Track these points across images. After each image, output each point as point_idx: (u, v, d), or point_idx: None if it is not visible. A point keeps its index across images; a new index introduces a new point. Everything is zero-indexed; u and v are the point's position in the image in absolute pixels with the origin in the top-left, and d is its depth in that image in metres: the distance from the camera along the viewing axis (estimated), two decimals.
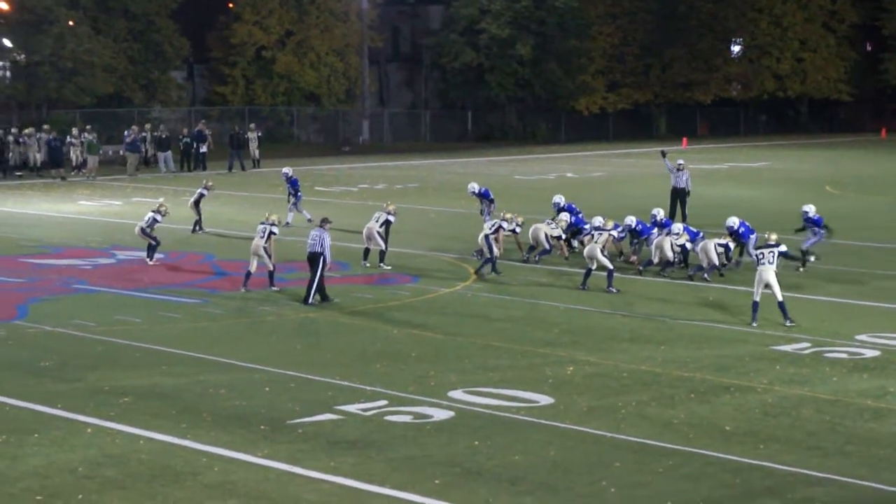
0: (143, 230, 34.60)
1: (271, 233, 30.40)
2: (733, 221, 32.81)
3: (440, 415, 19.61)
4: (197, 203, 40.45)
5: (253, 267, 30.23)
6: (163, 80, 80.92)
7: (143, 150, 63.90)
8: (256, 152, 65.81)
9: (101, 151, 62.10)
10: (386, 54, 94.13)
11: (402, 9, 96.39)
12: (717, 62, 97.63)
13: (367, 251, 34.18)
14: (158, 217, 34.75)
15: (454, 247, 37.07)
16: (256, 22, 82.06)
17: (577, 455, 17.81)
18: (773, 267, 26.35)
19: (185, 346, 24.36)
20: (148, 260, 34.19)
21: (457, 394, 20.79)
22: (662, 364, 23.09)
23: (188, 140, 64.79)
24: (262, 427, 18.91)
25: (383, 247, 33.96)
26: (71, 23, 73.46)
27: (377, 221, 34.22)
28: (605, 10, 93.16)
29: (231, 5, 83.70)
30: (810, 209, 34.43)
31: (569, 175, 46.16)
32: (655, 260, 32.81)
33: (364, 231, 34.23)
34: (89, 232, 40.91)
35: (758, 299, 26.54)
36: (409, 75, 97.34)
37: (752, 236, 32.94)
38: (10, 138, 61.45)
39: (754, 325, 26.38)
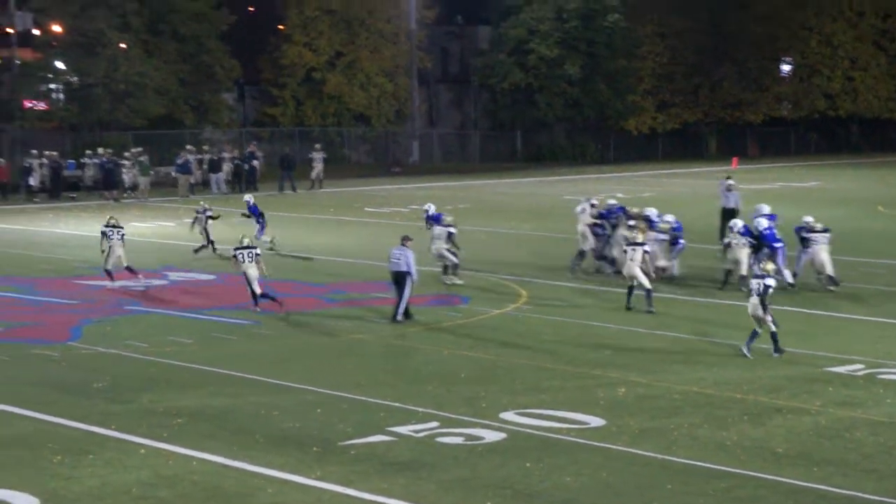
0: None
1: (257, 255, 30.64)
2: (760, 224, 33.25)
3: (492, 436, 19.60)
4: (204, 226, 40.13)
5: (257, 288, 30.32)
6: (214, 101, 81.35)
7: (195, 171, 64.24)
8: (321, 174, 66.13)
9: (152, 173, 62.48)
10: (435, 75, 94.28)
11: (451, 29, 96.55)
12: (767, 81, 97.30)
13: (445, 268, 34.45)
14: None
15: (504, 268, 37.04)
16: (306, 43, 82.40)
17: (628, 477, 17.76)
18: (758, 298, 25.21)
19: (237, 367, 24.45)
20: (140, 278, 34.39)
21: (508, 415, 20.77)
22: (714, 385, 22.99)
23: (239, 161, 65.14)
24: (315, 448, 18.96)
25: (455, 260, 34.22)
26: (123, 45, 74.01)
27: (440, 238, 34.33)
28: (653, 29, 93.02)
29: (281, 27, 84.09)
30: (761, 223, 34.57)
31: (618, 195, 46.03)
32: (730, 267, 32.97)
33: (433, 252, 34.33)
34: (142, 253, 41.10)
35: (759, 330, 25.50)
36: (458, 96, 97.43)
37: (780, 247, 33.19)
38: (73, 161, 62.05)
39: (744, 350, 25.43)
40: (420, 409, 21.16)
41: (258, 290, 30.40)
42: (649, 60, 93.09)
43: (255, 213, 41.53)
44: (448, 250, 34.33)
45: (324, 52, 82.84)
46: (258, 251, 31.06)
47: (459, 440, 19.42)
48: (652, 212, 35.86)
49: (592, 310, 30.99)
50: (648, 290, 30.42)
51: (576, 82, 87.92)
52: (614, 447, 19.10)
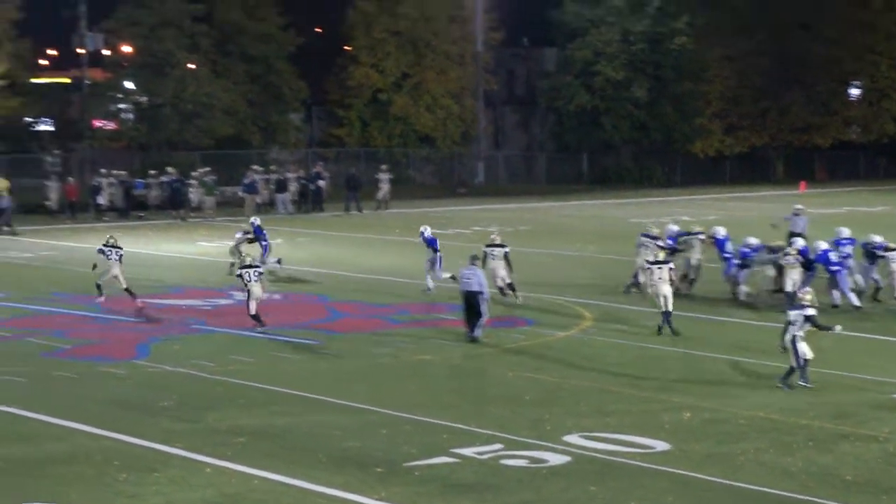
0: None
1: (261, 273, 31.02)
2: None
3: (556, 459, 19.52)
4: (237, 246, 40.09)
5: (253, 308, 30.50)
6: (281, 122, 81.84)
7: (262, 191, 64.53)
8: (387, 195, 66.35)
9: (217, 192, 62.85)
10: (501, 97, 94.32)
11: (518, 51, 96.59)
12: (835, 105, 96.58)
13: (501, 289, 34.44)
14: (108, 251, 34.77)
15: (569, 290, 36.94)
16: (373, 65, 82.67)
17: (693, 502, 17.63)
18: (798, 329, 24.35)
19: (300, 386, 24.51)
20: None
21: (572, 438, 20.68)
22: (780, 411, 22.79)
23: (305, 181, 65.44)
24: (378, 469, 18.95)
25: (508, 279, 34.26)
26: (192, 66, 74.65)
27: (496, 258, 34.32)
28: (721, 52, 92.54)
29: (348, 48, 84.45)
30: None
31: (684, 218, 45.92)
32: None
33: (495, 274, 34.37)
34: (208, 272, 41.36)
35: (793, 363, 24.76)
36: (523, 117, 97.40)
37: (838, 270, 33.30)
38: (142, 180, 62.55)
39: (802, 383, 24.60)
40: (484, 431, 21.10)
41: (253, 311, 30.49)
42: (717, 83, 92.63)
43: (259, 234, 41.39)
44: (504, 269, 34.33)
45: (390, 73, 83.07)
46: (262, 270, 31.57)
47: (523, 463, 19.35)
48: (719, 231, 36.17)
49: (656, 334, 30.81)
50: (667, 312, 30.17)
51: (642, 105, 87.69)
52: (679, 472, 18.97)
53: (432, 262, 36.07)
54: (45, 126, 79.80)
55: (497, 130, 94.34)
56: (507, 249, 34.81)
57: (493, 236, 35.91)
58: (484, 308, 29.38)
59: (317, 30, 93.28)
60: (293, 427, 21.45)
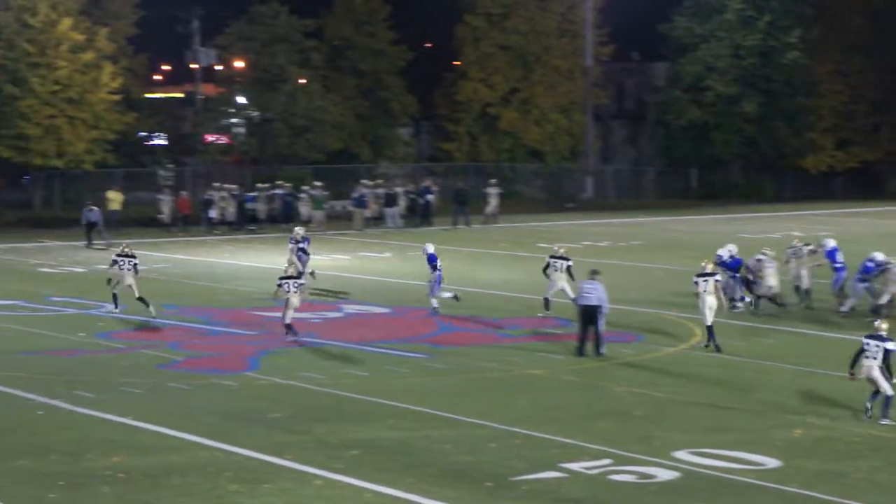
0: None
1: (301, 284, 31.74)
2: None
3: (665, 475, 19.46)
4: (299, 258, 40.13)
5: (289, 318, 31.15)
6: (390, 136, 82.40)
7: (371, 205, 64.87)
8: (496, 209, 66.46)
9: (325, 206, 63.30)
10: (610, 111, 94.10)
11: (627, 66, 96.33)
12: None
13: (547, 301, 34.73)
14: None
15: (678, 305, 36.75)
16: (482, 79, 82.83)
17: None
18: (878, 362, 23.22)
19: (411, 400, 24.63)
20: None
21: (681, 454, 20.60)
22: (894, 430, 22.52)
23: (414, 196, 65.71)
24: (487, 483, 19.01)
25: (573, 295, 34.18)
26: (302, 81, 75.36)
27: (560, 270, 34.54)
28: (833, 67, 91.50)
29: (457, 63, 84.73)
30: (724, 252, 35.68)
31: (795, 233, 45.52)
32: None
33: (554, 285, 34.58)
34: (317, 285, 41.62)
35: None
36: (633, 132, 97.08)
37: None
38: (254, 194, 63.12)
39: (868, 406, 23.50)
40: (593, 446, 21.09)
41: (289, 321, 31.05)
42: (828, 98, 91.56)
43: (305, 245, 41.71)
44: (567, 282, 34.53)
45: (499, 88, 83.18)
46: (302, 280, 32.10)
47: (632, 478, 19.32)
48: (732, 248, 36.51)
49: (769, 349, 30.59)
50: (710, 327, 30.10)
51: (753, 120, 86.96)
52: (790, 489, 18.83)
53: (432, 281, 35.55)
54: (159, 140, 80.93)
55: (606, 145, 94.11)
56: (570, 263, 34.77)
57: (557, 248, 35.89)
58: (602, 323, 29.37)
59: (426, 45, 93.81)
60: (404, 441, 21.57)
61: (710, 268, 31.03)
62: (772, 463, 20.25)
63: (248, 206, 63.40)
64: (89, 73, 65.52)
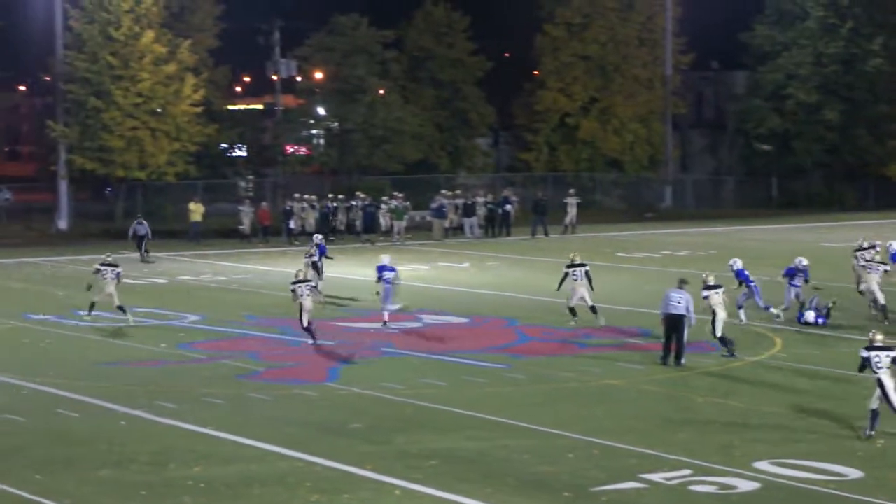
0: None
1: (313, 287, 32.70)
2: None
3: (746, 486, 19.35)
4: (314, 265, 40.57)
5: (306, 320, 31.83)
6: (468, 147, 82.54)
7: (450, 215, 64.97)
8: (575, 219, 66.36)
9: (406, 217, 63.49)
10: (689, 120, 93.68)
11: (707, 74, 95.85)
12: None
13: (573, 310, 34.70)
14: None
15: (758, 315, 36.49)
16: (561, 89, 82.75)
17: None
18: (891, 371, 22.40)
19: (489, 410, 24.65)
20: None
21: (762, 465, 20.48)
22: None
23: (493, 206, 65.78)
24: (566, 494, 19.00)
25: (590, 302, 34.59)
26: (382, 92, 75.68)
27: (581, 278, 34.61)
28: None
29: (536, 73, 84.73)
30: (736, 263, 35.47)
31: (878, 243, 45.03)
32: None
33: (575, 293, 34.61)
34: (396, 296, 41.73)
35: (875, 406, 22.51)
36: (712, 141, 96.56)
37: None
38: (334, 205, 63.39)
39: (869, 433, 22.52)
40: (672, 457, 21.02)
41: (306, 323, 31.75)
42: None
43: (322, 252, 42.30)
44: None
45: (578, 97, 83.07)
46: (314, 284, 32.80)
47: (712, 489, 19.23)
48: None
49: (849, 358, 30.28)
50: (726, 340, 30.43)
51: (834, 128, 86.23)
52: (873, 500, 18.67)
53: (382, 293, 35.46)
54: (240, 152, 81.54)
55: (685, 154, 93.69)
56: (587, 268, 34.82)
57: (572, 256, 35.74)
58: (685, 333, 29.28)
59: (505, 55, 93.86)
60: (483, 451, 21.59)
61: (712, 280, 31.16)
62: (854, 474, 20.08)
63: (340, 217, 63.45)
64: (171, 85, 66.14)
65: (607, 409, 25.09)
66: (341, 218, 63.61)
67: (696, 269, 47.06)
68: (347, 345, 32.41)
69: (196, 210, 61.00)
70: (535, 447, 21.77)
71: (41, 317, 36.68)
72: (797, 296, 35.83)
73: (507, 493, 19.01)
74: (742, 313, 34.85)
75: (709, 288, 30.72)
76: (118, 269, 36.03)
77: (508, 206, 65.86)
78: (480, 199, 66.72)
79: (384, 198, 64.42)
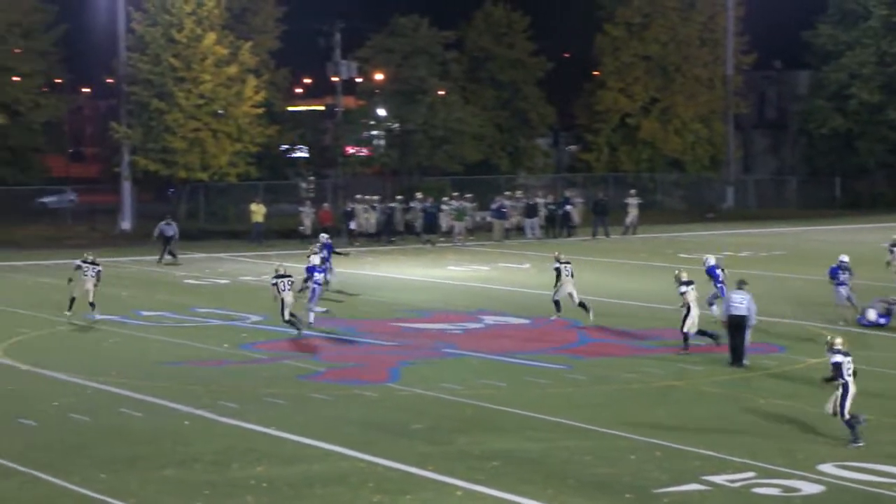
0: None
1: (293, 282, 33.56)
2: None
3: (810, 489, 19.23)
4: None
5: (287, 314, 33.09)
6: (529, 147, 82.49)
7: (510, 216, 64.92)
8: (636, 220, 66.18)
9: (467, 218, 63.49)
10: (751, 120, 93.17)
11: (769, 74, 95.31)
12: None
13: (558, 303, 36.08)
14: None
15: (821, 315, 36.28)
16: (621, 89, 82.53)
17: None
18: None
19: (551, 411, 24.62)
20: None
21: (827, 467, 20.34)
22: None
23: (553, 207, 65.68)
24: (627, 495, 18.95)
25: (577, 299, 35.85)
26: (442, 92, 75.73)
27: (571, 275, 36.07)
28: None
29: (597, 73, 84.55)
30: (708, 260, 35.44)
31: None
32: None
33: (563, 289, 35.78)
34: (457, 297, 41.85)
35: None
36: (774, 141, 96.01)
37: None
38: (393, 205, 63.53)
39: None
40: (735, 459, 20.91)
41: (287, 317, 32.99)
42: None
43: (329, 250, 42.90)
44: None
45: (639, 97, 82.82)
46: (293, 279, 33.77)
47: (776, 491, 19.12)
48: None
49: None
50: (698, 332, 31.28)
51: None
52: None
53: (311, 294, 35.76)
54: (300, 153, 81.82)
55: (746, 154, 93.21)
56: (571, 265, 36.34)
57: (557, 254, 37.30)
58: (748, 334, 29.18)
59: (565, 55, 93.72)
60: (544, 452, 21.56)
61: (685, 276, 31.42)
62: None
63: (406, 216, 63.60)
64: (233, 86, 66.45)
65: (669, 410, 25.01)
66: (401, 219, 63.69)
67: (758, 269, 46.99)
68: (409, 345, 32.47)
69: (258, 211, 61.28)
70: (597, 448, 21.73)
71: (104, 317, 36.95)
72: (849, 297, 35.45)
73: (569, 494, 18.98)
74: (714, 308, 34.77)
75: (685, 284, 30.98)
76: (98, 268, 36.96)
77: (569, 207, 65.75)
78: (540, 200, 66.66)
79: (444, 198, 64.45)
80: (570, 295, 35.84)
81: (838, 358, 22.06)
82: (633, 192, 68.61)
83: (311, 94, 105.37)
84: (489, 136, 78.80)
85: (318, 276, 35.77)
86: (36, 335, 34.40)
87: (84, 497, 18.95)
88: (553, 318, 35.99)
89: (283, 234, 63.04)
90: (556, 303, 36.21)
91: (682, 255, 53.92)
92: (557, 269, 36.16)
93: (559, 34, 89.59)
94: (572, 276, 36.22)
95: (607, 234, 64.04)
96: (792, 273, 47.30)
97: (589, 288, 43.10)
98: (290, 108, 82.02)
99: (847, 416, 21.95)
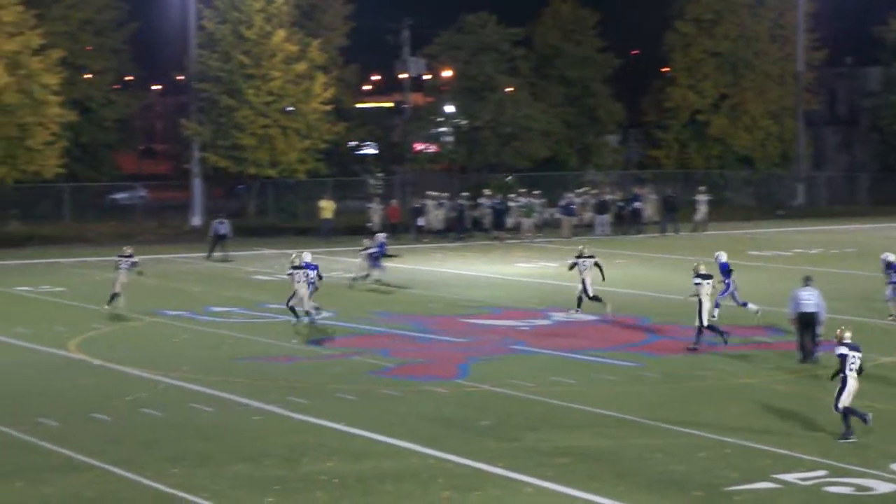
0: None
1: (308, 275, 34.97)
2: None
3: (883, 488, 19.06)
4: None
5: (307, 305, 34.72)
6: (597, 144, 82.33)
7: (578, 213, 64.80)
8: (705, 216, 65.86)
9: (535, 214, 63.40)
10: (822, 116, 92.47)
11: (840, 70, 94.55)
12: None
13: (596, 297, 36.06)
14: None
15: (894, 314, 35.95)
16: (691, 86, 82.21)
17: None
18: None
19: (620, 408, 24.54)
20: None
21: None
22: None
23: (622, 204, 65.50)
24: (697, 493, 18.85)
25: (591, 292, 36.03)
26: (510, 89, 75.70)
27: (588, 268, 36.08)
28: None
29: (666, 70, 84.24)
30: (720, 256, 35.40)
31: None
32: None
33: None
34: (526, 293, 41.81)
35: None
36: (845, 138, 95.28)
37: None
38: (460, 202, 63.59)
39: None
40: (807, 457, 20.76)
41: (306, 308, 34.55)
42: None
43: (380, 251, 43.93)
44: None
45: (708, 94, 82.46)
46: (136, 261, 36.65)
47: (848, 490, 18.96)
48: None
49: None
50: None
51: None
52: None
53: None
54: (369, 149, 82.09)
55: (817, 151, 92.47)
56: (595, 259, 36.18)
57: (581, 248, 37.31)
58: (819, 330, 29.00)
59: (633, 52, 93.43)
60: (614, 449, 21.50)
61: (703, 269, 31.42)
62: None
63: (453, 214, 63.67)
64: (302, 83, 66.73)
65: (740, 408, 24.86)
66: (469, 215, 63.73)
67: (829, 267, 46.67)
68: (478, 341, 32.48)
69: (327, 207, 61.54)
70: (667, 446, 21.63)
71: (176, 312, 37.22)
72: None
73: (639, 492, 18.91)
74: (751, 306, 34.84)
75: (701, 277, 31.06)
76: (133, 260, 37.58)
77: (637, 204, 65.55)
78: (610, 197, 66.48)
79: (511, 195, 64.41)
80: (585, 289, 36.03)
81: (843, 350, 22.26)
82: (702, 188, 68.30)
83: (379, 91, 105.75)
84: (557, 133, 78.72)
85: (310, 274, 36.11)
86: (108, 330, 34.73)
87: (156, 491, 19.09)
88: (572, 312, 36.51)
89: (351, 230, 63.20)
90: (595, 297, 36.33)
91: (751, 253, 53.60)
92: (574, 264, 36.59)
93: (628, 31, 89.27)
94: (591, 269, 36.80)
95: (677, 231, 63.82)
96: (863, 271, 46.86)
97: (657, 285, 43.05)
98: (358, 105, 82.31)
99: (841, 408, 22.02)
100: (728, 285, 34.77)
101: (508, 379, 27.47)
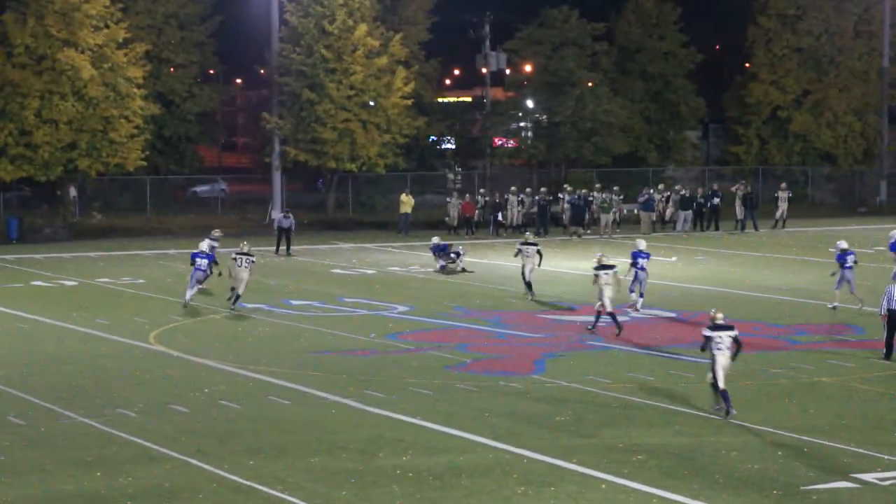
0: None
1: (252, 261, 36.98)
2: None
3: None
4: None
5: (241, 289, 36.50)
6: (678, 139, 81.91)
7: (658, 209, 64.50)
8: (785, 213, 65.36)
9: (613, 210, 63.17)
10: None
11: None
12: None
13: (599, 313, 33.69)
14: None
15: None
16: (773, 82, 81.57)
17: None
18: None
19: (697, 405, 24.45)
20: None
21: None
22: None
23: (701, 200, 65.16)
24: (775, 492, 18.76)
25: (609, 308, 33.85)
26: (591, 84, 75.51)
27: (609, 280, 33.86)
28: None
29: (748, 65, 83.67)
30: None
31: None
32: None
33: (603, 294, 33.33)
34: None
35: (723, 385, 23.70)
36: None
37: None
38: (538, 198, 63.49)
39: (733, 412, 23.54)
40: (885, 457, 20.59)
41: (242, 291, 36.39)
42: None
43: (441, 250, 46.03)
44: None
45: (791, 90, 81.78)
46: (254, 259, 37.27)
47: None
48: None
49: None
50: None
51: None
52: None
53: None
54: (448, 144, 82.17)
55: None
56: (616, 269, 33.87)
57: (599, 255, 34.63)
58: None
59: (715, 47, 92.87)
60: (690, 446, 21.42)
61: (604, 260, 32.97)
62: None
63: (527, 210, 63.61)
64: (383, 77, 66.87)
65: (818, 406, 24.68)
66: (553, 210, 63.57)
67: None
68: (555, 337, 32.46)
69: (407, 202, 61.70)
70: (744, 444, 21.54)
71: (254, 306, 37.49)
72: None
73: (715, 490, 18.84)
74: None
75: (601, 267, 32.87)
76: (252, 258, 37.48)
77: (717, 200, 65.15)
78: (693, 193, 66.10)
79: (591, 192, 64.24)
80: (602, 302, 33.27)
81: (707, 332, 23.86)
82: (783, 185, 67.79)
83: (459, 86, 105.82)
84: (637, 129, 78.45)
85: (201, 262, 37.31)
86: (188, 322, 35.03)
87: (232, 483, 19.25)
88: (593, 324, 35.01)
89: (429, 224, 63.32)
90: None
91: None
92: (597, 275, 33.47)
93: (710, 26, 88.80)
94: (534, 256, 38.65)
95: (756, 228, 63.36)
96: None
97: (735, 282, 42.78)
98: (438, 100, 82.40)
99: (712, 380, 23.63)
100: (637, 273, 36.69)
101: (585, 375, 27.45)
